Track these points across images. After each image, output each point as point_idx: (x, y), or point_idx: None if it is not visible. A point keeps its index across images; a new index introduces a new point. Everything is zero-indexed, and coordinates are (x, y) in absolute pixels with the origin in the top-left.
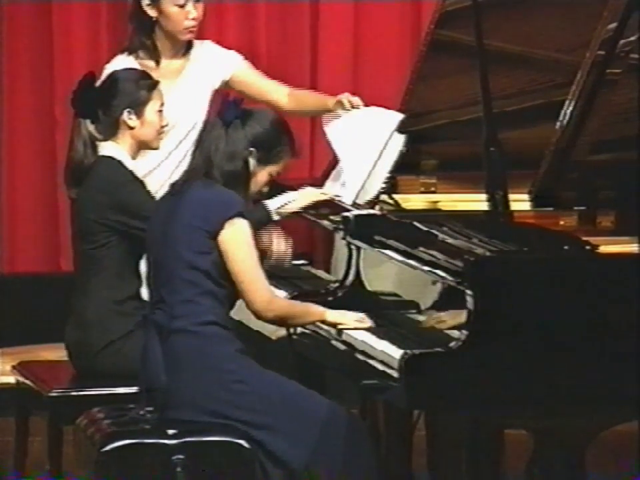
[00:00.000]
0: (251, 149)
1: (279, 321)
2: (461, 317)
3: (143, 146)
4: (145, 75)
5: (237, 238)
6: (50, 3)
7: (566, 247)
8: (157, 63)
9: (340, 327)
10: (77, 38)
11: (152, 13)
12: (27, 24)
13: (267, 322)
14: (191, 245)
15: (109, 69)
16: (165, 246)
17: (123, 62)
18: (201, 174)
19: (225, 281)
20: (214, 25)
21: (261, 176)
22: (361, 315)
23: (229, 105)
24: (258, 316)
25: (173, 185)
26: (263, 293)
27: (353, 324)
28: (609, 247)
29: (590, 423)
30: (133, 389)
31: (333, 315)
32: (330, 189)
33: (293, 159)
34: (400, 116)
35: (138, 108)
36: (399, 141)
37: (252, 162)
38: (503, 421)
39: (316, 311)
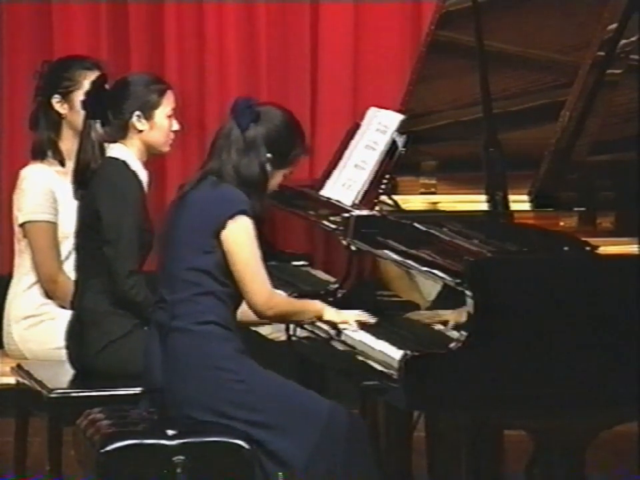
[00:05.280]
0: (268, 155)
1: (279, 319)
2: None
3: (151, 150)
4: (156, 79)
5: (238, 236)
6: (50, 3)
7: (566, 248)
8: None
9: (341, 326)
10: (77, 38)
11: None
12: (27, 24)
13: (268, 319)
14: (193, 245)
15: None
16: (168, 246)
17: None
18: (213, 176)
19: (229, 280)
20: (214, 25)
21: (276, 179)
22: (357, 312)
23: (244, 109)
24: (258, 314)
25: (182, 186)
26: (263, 291)
27: (351, 320)
28: (608, 248)
29: (590, 423)
30: (133, 390)
31: (330, 313)
32: (330, 190)
33: (304, 157)
34: (400, 116)
35: (148, 112)
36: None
37: (268, 167)
38: (502, 421)
39: (314, 308)
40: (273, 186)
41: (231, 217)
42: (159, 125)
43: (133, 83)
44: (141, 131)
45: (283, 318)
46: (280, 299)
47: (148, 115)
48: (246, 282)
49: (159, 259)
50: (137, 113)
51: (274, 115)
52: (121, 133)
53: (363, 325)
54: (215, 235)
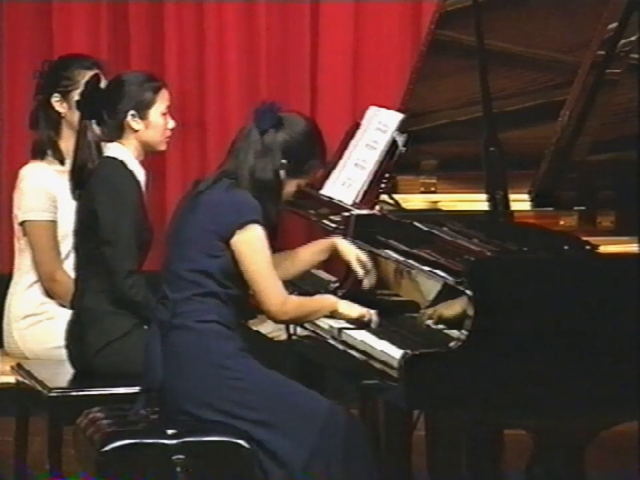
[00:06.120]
0: (283, 161)
1: (295, 322)
2: (456, 308)
3: (148, 148)
4: (150, 77)
5: (249, 245)
6: (50, 3)
7: (566, 247)
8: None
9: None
10: (77, 38)
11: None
12: (27, 24)
13: (283, 324)
14: (201, 247)
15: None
16: (175, 244)
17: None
18: (229, 177)
19: (232, 283)
20: (214, 24)
21: (289, 187)
22: (370, 312)
23: (265, 113)
24: (274, 320)
25: (197, 184)
26: (277, 297)
27: (358, 316)
28: (608, 247)
29: (590, 423)
30: (133, 389)
31: (344, 307)
32: (331, 189)
33: (322, 169)
34: (400, 116)
35: (143, 111)
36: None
37: (282, 173)
38: (503, 421)
39: (327, 303)
40: (287, 195)
41: (242, 225)
42: (155, 123)
43: (127, 83)
44: (136, 131)
45: (298, 320)
46: (294, 303)
47: (143, 114)
48: (260, 289)
49: (165, 255)
50: (132, 112)
51: (296, 122)
52: (117, 132)
53: (363, 325)
54: (224, 240)
